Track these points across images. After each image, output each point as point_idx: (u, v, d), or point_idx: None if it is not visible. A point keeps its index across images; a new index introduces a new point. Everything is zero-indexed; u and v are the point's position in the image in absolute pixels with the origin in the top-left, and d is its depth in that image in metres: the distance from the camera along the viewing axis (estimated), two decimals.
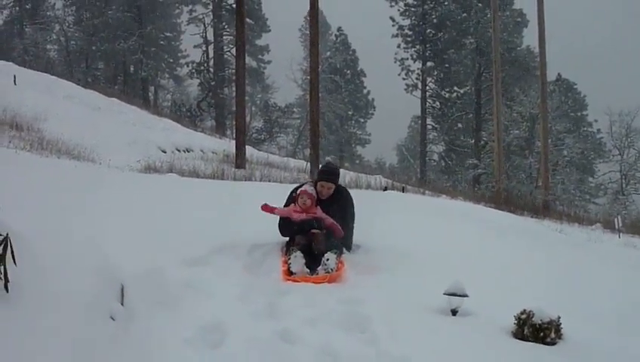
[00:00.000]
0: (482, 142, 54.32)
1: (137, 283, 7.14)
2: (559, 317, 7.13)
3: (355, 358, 6.46)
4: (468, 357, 6.50)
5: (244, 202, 11.23)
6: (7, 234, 5.25)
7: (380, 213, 11.66)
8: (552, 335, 7.05)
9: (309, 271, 8.33)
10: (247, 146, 29.68)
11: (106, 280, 6.58)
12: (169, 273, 7.67)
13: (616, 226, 23.18)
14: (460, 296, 7.50)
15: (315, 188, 9.31)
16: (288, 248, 8.69)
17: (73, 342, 5.35)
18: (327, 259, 8.27)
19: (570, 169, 51.11)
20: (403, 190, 21.96)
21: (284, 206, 9.28)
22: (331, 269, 8.22)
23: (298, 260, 8.30)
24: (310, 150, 28.26)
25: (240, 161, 27.11)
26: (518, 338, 7.09)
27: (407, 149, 69.21)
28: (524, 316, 7.14)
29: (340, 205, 9.28)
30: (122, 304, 6.68)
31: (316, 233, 8.76)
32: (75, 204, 9.85)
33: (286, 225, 9.06)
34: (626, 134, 54.01)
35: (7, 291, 5.18)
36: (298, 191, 9.13)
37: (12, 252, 5.23)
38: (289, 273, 8.24)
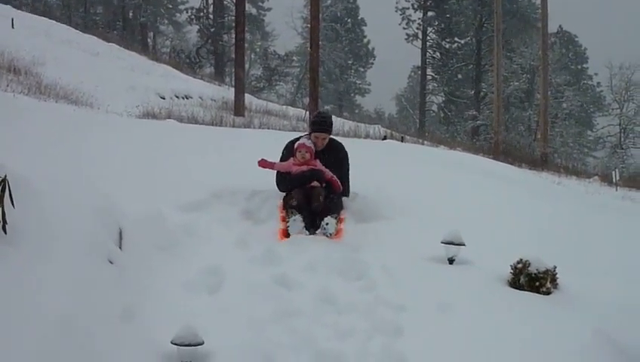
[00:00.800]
0: (482, 94, 54.28)
1: (136, 227, 7.16)
2: (555, 267, 7.17)
3: (353, 304, 6.52)
4: (464, 305, 6.55)
5: (243, 149, 11.21)
6: (5, 176, 5.24)
7: (379, 162, 11.66)
8: (548, 284, 7.09)
9: (307, 233, 8.02)
10: (246, 94, 29.57)
11: (104, 224, 6.60)
12: (167, 217, 7.67)
13: (614, 180, 23.23)
14: (457, 244, 7.53)
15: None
16: (286, 203, 8.45)
17: (71, 285, 5.38)
18: (327, 224, 8.03)
19: (569, 122, 51.16)
20: (402, 140, 21.94)
21: (280, 160, 8.96)
22: (330, 234, 7.98)
23: (297, 223, 8.01)
24: (309, 99, 28.15)
25: (239, 108, 27.07)
26: (514, 287, 7.14)
27: (407, 100, 69.03)
28: (520, 265, 7.18)
29: (335, 157, 9.00)
30: (120, 248, 6.70)
31: (315, 187, 8.46)
32: (74, 148, 9.82)
33: (284, 179, 8.73)
34: (626, 88, 53.89)
35: (5, 233, 5.18)
36: (296, 145, 8.80)
37: (10, 194, 5.23)
38: (287, 235, 8.02)
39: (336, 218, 8.22)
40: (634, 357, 5.94)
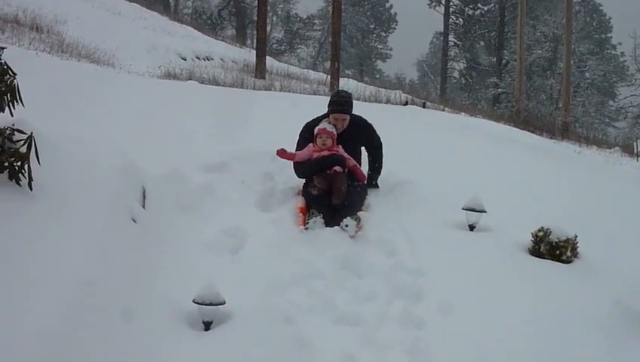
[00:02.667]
0: (504, 61, 53.79)
1: (158, 186, 7.20)
2: (576, 236, 7.15)
3: (373, 268, 6.55)
4: (483, 271, 6.56)
5: (264, 111, 11.22)
6: (32, 133, 5.28)
7: (401, 127, 11.62)
8: (568, 253, 7.09)
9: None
10: (267, 57, 29.45)
11: (128, 183, 6.65)
12: (189, 178, 7.72)
13: (635, 150, 23.07)
14: (478, 211, 7.52)
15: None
16: (305, 192, 7.84)
17: (95, 242, 5.43)
18: (346, 226, 7.20)
19: (591, 91, 50.73)
20: (424, 105, 21.84)
21: (297, 145, 8.19)
22: (350, 237, 7.14)
23: (317, 225, 7.29)
24: (331, 63, 28.03)
25: (260, 71, 26.96)
26: (535, 256, 7.14)
27: (428, 66, 68.57)
28: (541, 233, 7.18)
29: (360, 133, 8.31)
30: (144, 206, 6.74)
31: (338, 174, 7.73)
32: (96, 107, 9.87)
33: (302, 165, 7.99)
34: None
35: (32, 189, 5.23)
36: (316, 131, 8.00)
37: (36, 151, 5.27)
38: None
39: (356, 219, 7.38)
40: None
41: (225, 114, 11.00)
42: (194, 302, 5.46)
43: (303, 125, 8.33)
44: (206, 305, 5.46)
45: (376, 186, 8.41)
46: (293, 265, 6.46)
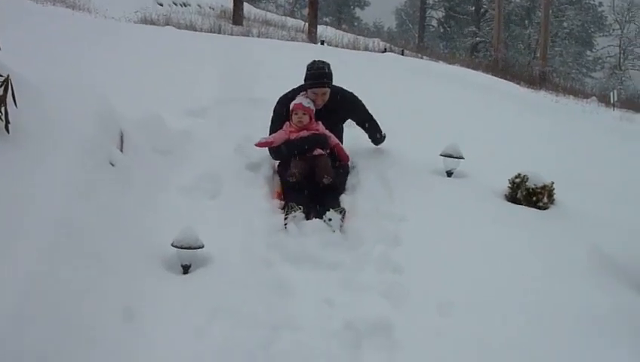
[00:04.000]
0: (482, 10, 53.69)
1: (136, 130, 7.15)
2: (552, 183, 7.20)
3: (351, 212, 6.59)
4: (460, 217, 6.59)
5: (242, 57, 11.15)
6: (8, 76, 5.21)
7: (379, 74, 11.62)
8: (545, 199, 7.14)
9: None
10: (244, 3, 29.22)
11: (105, 126, 6.58)
12: (168, 122, 7.67)
13: (612, 100, 23.18)
14: (455, 157, 7.55)
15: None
16: (282, 178, 7.04)
17: (73, 185, 5.39)
18: (330, 219, 6.35)
19: (569, 41, 50.79)
20: (402, 53, 21.79)
21: (272, 123, 7.36)
22: (333, 231, 6.30)
23: (296, 220, 6.36)
24: (308, 9, 27.87)
25: (237, 17, 26.81)
26: (511, 202, 7.19)
27: (407, 14, 68.24)
28: (518, 180, 7.22)
29: (344, 107, 7.49)
30: (122, 150, 6.71)
31: (320, 156, 6.97)
32: (73, 51, 9.79)
33: (279, 148, 7.15)
34: (628, 8, 53.40)
35: (8, 132, 5.17)
36: (291, 107, 7.15)
37: (13, 93, 5.20)
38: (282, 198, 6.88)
39: (340, 212, 6.48)
40: (632, 276, 5.99)
41: (202, 60, 10.94)
42: (172, 245, 5.46)
43: (276, 99, 7.51)
44: (184, 248, 5.46)
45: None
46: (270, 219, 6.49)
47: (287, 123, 7.19)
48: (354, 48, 21.81)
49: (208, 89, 9.02)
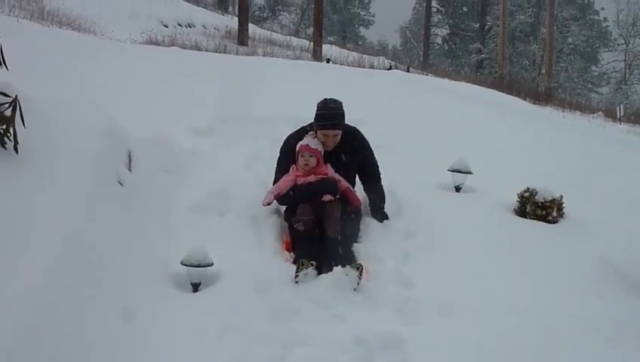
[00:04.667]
0: (487, 27, 53.74)
1: (144, 150, 7.16)
2: (561, 196, 7.19)
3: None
4: (470, 231, 6.59)
5: (248, 75, 11.18)
6: (17, 96, 5.23)
7: (386, 90, 11.63)
8: (554, 213, 7.13)
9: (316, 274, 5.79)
10: (249, 24, 29.35)
11: (113, 146, 6.59)
12: (175, 141, 7.70)
13: (618, 115, 23.19)
14: (463, 172, 7.55)
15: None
16: (289, 223, 6.46)
17: (81, 204, 5.40)
18: (347, 275, 5.58)
19: (574, 57, 50.83)
20: (407, 70, 21.84)
21: (278, 164, 6.82)
22: (353, 290, 5.56)
23: (308, 277, 5.69)
24: (313, 29, 27.98)
25: (242, 37, 26.91)
26: (521, 216, 7.18)
27: (411, 32, 68.26)
28: (527, 194, 7.21)
29: (357, 153, 6.83)
30: (130, 169, 6.71)
31: (330, 203, 6.35)
32: (80, 72, 9.80)
33: (285, 197, 6.55)
34: (633, 23, 53.34)
35: (17, 152, 5.19)
36: (298, 148, 6.56)
37: (21, 114, 5.22)
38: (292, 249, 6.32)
39: (358, 268, 5.65)
40: (638, 286, 6.00)
41: (209, 79, 10.95)
42: (182, 263, 5.46)
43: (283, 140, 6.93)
44: (194, 266, 5.46)
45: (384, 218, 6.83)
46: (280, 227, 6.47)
47: (294, 166, 6.58)
48: (359, 66, 21.84)
49: (215, 107, 9.04)
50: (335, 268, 5.67)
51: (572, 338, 5.04)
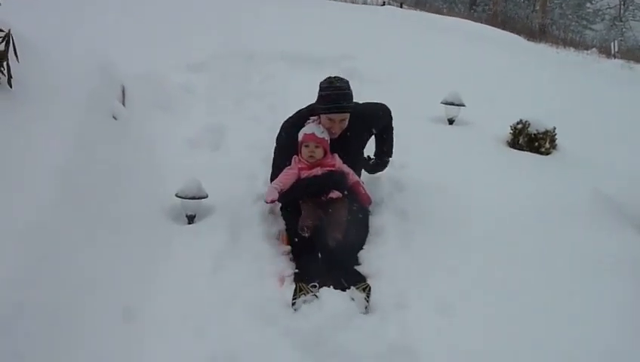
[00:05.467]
0: None
1: (137, 85, 7.16)
2: (554, 128, 7.23)
3: None
4: (463, 163, 6.62)
5: (241, 10, 11.11)
6: (10, 31, 5.22)
7: (379, 25, 11.58)
8: (547, 145, 7.18)
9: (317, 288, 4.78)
10: None
11: (107, 81, 6.59)
12: (168, 77, 7.70)
13: (612, 51, 23.10)
14: (456, 105, 7.57)
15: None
16: (291, 231, 5.32)
17: (75, 137, 5.39)
18: (352, 299, 4.65)
19: None
20: (400, 6, 21.70)
21: (276, 156, 5.70)
22: (361, 313, 4.59)
23: (309, 302, 4.64)
24: None
25: None
26: (513, 148, 7.22)
27: None
28: (519, 126, 7.25)
29: (369, 130, 5.87)
30: (123, 104, 6.72)
31: (338, 201, 5.38)
32: (73, 10, 9.74)
33: (288, 193, 5.42)
34: None
35: (11, 87, 5.18)
36: (300, 138, 5.51)
37: (14, 48, 5.21)
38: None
39: (365, 289, 4.74)
40: (633, 218, 6.03)
41: (202, 14, 10.89)
42: (177, 196, 5.50)
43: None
44: (189, 198, 5.50)
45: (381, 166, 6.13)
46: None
47: (296, 157, 5.54)
48: (352, 2, 21.68)
49: (208, 44, 9.00)
50: (337, 290, 4.72)
51: (569, 269, 5.08)
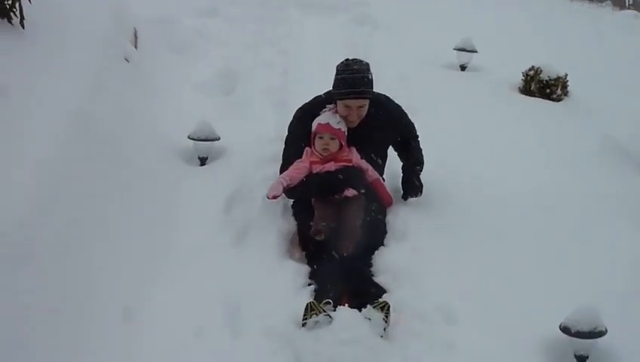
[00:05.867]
0: None
1: (150, 29, 7.17)
2: (566, 75, 7.22)
3: None
4: (475, 109, 6.62)
5: None
6: None
7: None
8: (559, 91, 7.17)
9: (332, 308, 4.07)
10: None
11: (119, 24, 6.59)
12: (181, 21, 7.69)
13: (627, 3, 22.85)
14: (468, 51, 7.55)
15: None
16: (303, 235, 4.69)
17: (88, 77, 5.41)
18: (369, 319, 3.92)
19: None
20: None
21: (286, 146, 5.06)
22: (380, 336, 3.89)
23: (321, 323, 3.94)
24: None
25: None
26: (525, 94, 7.21)
27: None
28: (531, 72, 7.23)
29: (390, 125, 5.07)
30: (136, 47, 6.72)
31: (353, 202, 4.75)
32: None
33: (296, 189, 4.80)
34: None
35: (23, 27, 5.18)
36: (314, 128, 4.84)
37: None
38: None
39: (383, 308, 3.97)
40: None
41: None
42: (189, 137, 5.54)
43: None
44: (201, 140, 5.54)
45: (416, 191, 5.03)
46: (283, 104, 6.46)
47: (308, 149, 4.89)
48: None
49: None
50: (352, 310, 4.01)
51: (576, 210, 5.10)
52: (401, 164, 5.18)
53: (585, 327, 3.54)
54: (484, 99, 6.85)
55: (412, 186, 4.98)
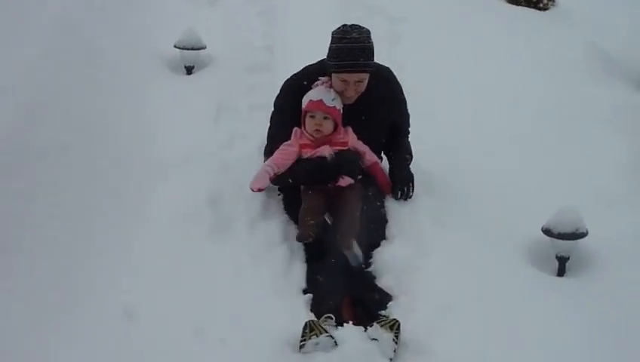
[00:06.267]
0: None
1: None
2: None
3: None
4: (460, 18, 6.52)
5: None
6: None
7: None
8: (545, 0, 7.12)
9: (334, 324, 3.50)
10: None
11: None
12: None
13: None
14: None
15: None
16: (290, 206, 4.15)
17: None
18: (375, 339, 3.32)
19: None
20: None
21: (272, 124, 4.34)
22: (389, 359, 3.29)
23: (322, 345, 3.30)
24: None
25: None
26: (511, 3, 7.13)
27: None
28: None
29: (389, 103, 4.30)
30: None
31: (349, 192, 4.03)
32: None
33: (284, 176, 4.09)
34: None
35: None
36: (305, 105, 4.06)
37: None
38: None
39: (392, 326, 3.36)
40: (629, 73, 6.04)
41: None
42: (175, 46, 5.54)
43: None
44: (187, 49, 5.54)
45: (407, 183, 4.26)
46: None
47: (297, 130, 4.12)
48: None
49: None
50: (357, 328, 3.42)
51: (568, 123, 5.11)
52: (388, 159, 4.43)
53: (567, 229, 3.60)
54: (469, 7, 6.75)
55: (403, 178, 4.25)
